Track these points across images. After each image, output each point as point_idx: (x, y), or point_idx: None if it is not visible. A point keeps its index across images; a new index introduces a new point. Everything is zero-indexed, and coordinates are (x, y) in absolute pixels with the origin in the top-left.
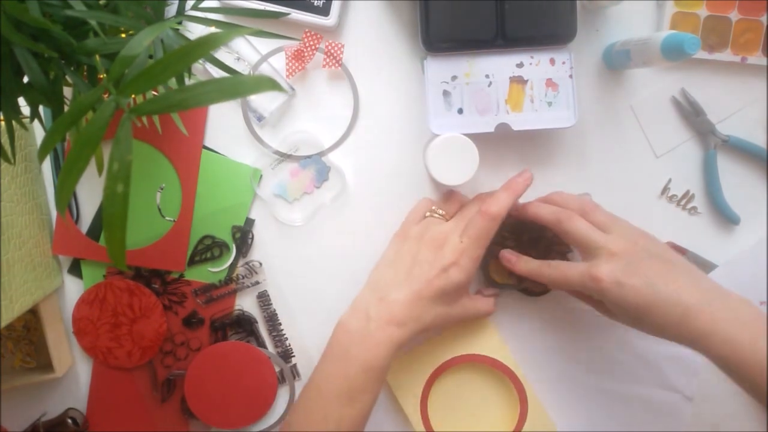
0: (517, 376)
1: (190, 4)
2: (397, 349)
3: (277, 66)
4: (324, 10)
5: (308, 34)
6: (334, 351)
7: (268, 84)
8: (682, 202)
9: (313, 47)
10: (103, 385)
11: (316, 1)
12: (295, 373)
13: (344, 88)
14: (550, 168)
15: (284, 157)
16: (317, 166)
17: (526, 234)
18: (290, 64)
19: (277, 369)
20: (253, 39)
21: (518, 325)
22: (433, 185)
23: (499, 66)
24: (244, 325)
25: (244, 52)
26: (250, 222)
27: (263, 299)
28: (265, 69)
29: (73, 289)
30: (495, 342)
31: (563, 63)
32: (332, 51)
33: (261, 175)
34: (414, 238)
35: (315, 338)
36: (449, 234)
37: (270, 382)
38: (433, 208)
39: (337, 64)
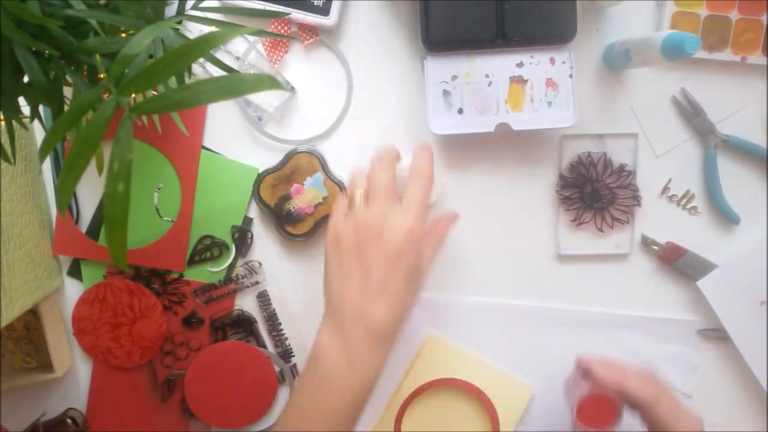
0: (488, 397)
1: (190, 3)
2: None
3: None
4: (324, 10)
5: (275, 22)
6: (314, 383)
7: (268, 82)
8: (682, 202)
9: (285, 32)
10: (103, 385)
11: (316, 1)
12: (295, 372)
13: (345, 88)
14: (550, 168)
15: (296, 143)
16: (317, 186)
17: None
18: (271, 54)
19: (277, 369)
20: (252, 38)
21: (515, 330)
22: None
23: (499, 66)
24: (243, 324)
25: (244, 52)
26: (248, 221)
27: (263, 299)
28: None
29: (73, 290)
30: (470, 361)
31: (563, 63)
32: (304, 26)
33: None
34: (348, 238)
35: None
36: (383, 217)
37: (270, 382)
38: (353, 191)
39: (315, 35)
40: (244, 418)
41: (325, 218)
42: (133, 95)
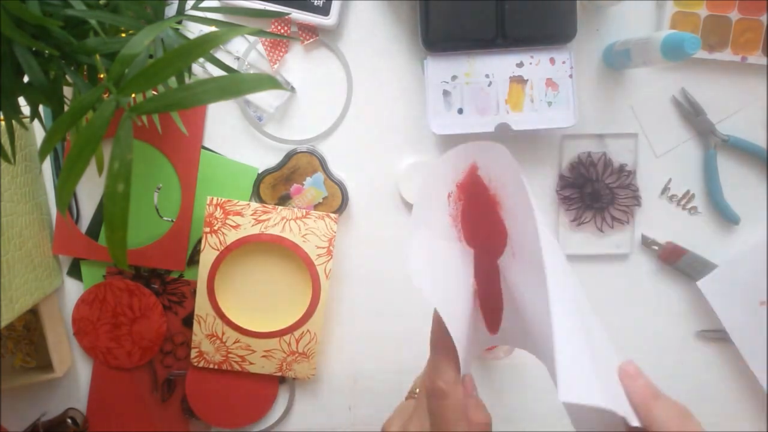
0: (309, 255)
1: (190, 3)
2: None
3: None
4: (324, 10)
5: (275, 22)
6: None
7: (268, 82)
8: (682, 202)
9: (285, 32)
10: (103, 385)
11: (316, 1)
12: None
13: (345, 88)
14: (550, 168)
15: (296, 143)
16: (317, 186)
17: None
18: (271, 54)
19: None
20: (252, 38)
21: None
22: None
23: (499, 66)
24: None
25: (244, 52)
26: None
27: None
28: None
29: (73, 290)
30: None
31: (563, 63)
32: (304, 26)
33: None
34: None
35: None
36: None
37: (270, 382)
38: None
39: (315, 35)
40: (244, 418)
41: None
42: (133, 95)
